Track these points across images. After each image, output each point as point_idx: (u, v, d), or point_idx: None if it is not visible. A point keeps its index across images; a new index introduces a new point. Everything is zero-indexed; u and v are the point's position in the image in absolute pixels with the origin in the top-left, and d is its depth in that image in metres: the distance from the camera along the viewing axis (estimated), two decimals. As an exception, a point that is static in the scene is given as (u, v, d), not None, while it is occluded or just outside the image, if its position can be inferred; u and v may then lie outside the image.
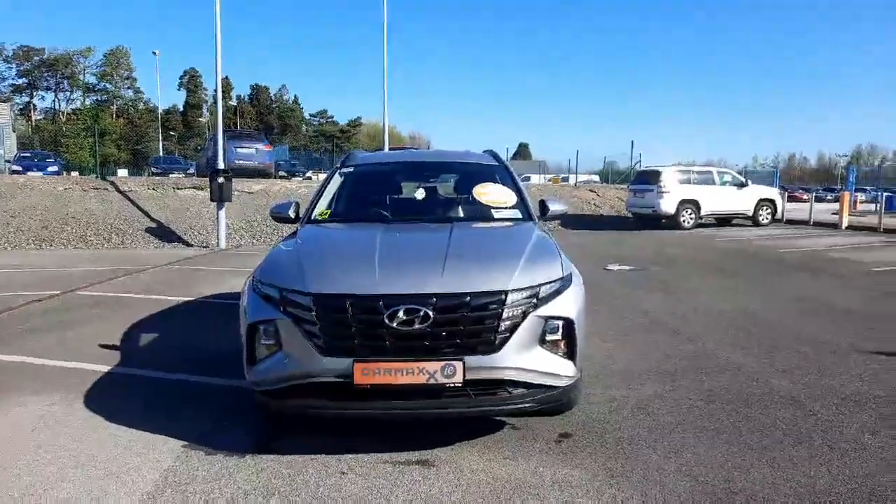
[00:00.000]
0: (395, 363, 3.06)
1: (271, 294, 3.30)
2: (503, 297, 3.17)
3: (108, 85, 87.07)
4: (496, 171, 4.87)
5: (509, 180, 4.74)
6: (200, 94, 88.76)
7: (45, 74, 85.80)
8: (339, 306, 3.11)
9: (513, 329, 3.17)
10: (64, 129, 75.83)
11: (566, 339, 3.36)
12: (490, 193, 4.55)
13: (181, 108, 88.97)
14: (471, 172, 4.92)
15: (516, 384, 3.21)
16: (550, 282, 3.36)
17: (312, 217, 4.46)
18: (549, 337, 3.31)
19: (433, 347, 3.10)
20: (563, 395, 3.40)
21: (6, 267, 11.03)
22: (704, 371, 4.80)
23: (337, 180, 4.93)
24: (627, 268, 10.69)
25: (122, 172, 37.44)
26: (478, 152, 5.40)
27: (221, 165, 15.37)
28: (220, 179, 14.58)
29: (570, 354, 3.38)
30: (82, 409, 4.01)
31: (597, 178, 41.65)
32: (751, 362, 5.02)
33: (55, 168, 26.92)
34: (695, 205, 18.94)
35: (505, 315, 3.16)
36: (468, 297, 3.15)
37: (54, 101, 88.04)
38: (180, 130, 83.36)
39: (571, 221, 20.88)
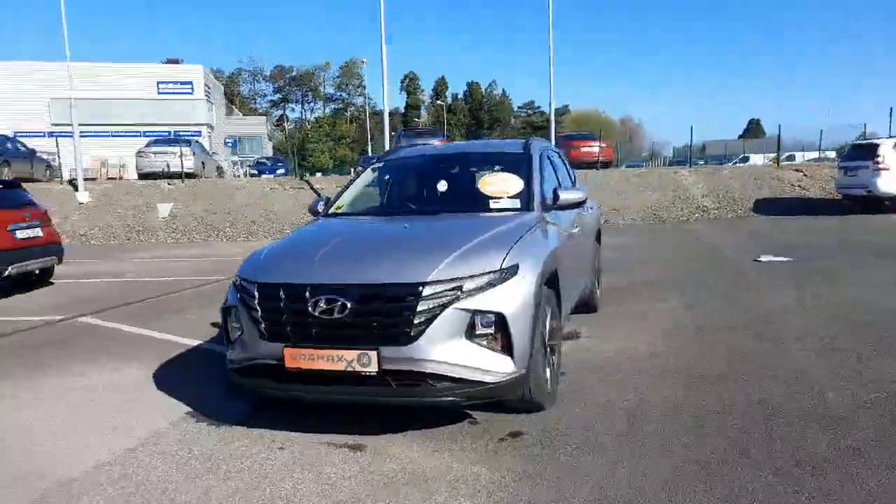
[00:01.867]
0: (318, 350, 3.25)
1: (237, 283, 3.70)
2: (419, 288, 3.18)
3: (343, 94, 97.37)
4: (516, 161, 4.73)
5: (525, 170, 4.57)
6: (418, 95, 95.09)
7: (295, 89, 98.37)
8: (273, 295, 3.38)
9: (430, 321, 3.16)
10: (309, 136, 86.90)
11: (500, 333, 3.25)
12: (495, 183, 4.45)
13: (402, 110, 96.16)
14: (490, 163, 4.84)
15: (438, 377, 3.20)
16: (480, 274, 3.27)
17: (329, 211, 4.79)
18: (481, 331, 3.24)
19: (351, 336, 3.23)
20: (497, 391, 3.28)
21: (206, 256, 13.22)
22: (753, 379, 4.17)
23: (368, 175, 5.21)
24: (782, 259, 9.38)
25: (355, 172, 41.26)
26: (514, 141, 5.26)
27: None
28: (387, 176, 15.71)
29: (508, 350, 3.27)
30: (147, 377, 4.80)
31: (833, 154, 36.18)
32: (817, 371, 4.25)
33: (283, 171, 31.07)
34: (928, 183, 15.70)
35: (421, 307, 3.16)
36: (384, 289, 3.22)
37: (301, 112, 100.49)
38: (422, 129, 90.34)
39: (767, 207, 18.67)
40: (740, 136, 75.44)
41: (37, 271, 9.05)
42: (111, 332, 6.46)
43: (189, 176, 19.89)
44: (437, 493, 2.86)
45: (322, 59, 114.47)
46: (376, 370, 3.18)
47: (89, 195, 18.00)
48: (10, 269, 8.16)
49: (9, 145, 20.69)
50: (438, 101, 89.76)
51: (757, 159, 40.39)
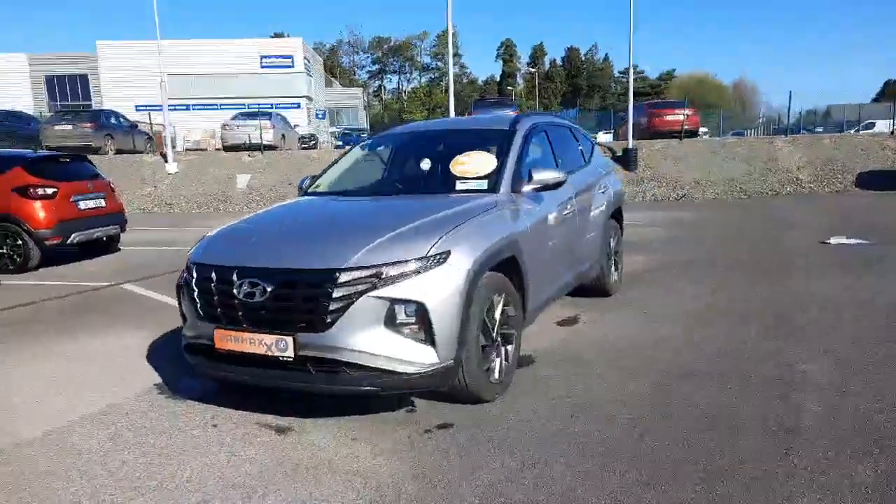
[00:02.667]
0: (243, 332, 3.27)
1: (186, 263, 3.77)
2: (335, 275, 3.10)
3: (439, 63, 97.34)
4: (498, 139, 4.47)
5: (504, 149, 4.33)
6: (515, 63, 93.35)
7: (392, 60, 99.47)
8: (207, 276, 3.42)
9: (345, 309, 3.08)
10: (405, 105, 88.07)
11: (422, 323, 3.13)
12: (467, 163, 4.24)
13: (497, 78, 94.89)
14: (472, 140, 4.61)
15: (354, 366, 3.13)
16: (403, 261, 3.14)
17: (309, 190, 4.78)
18: (403, 319, 3.13)
19: (270, 321, 3.21)
20: (417, 381, 3.18)
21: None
22: (738, 384, 3.80)
23: (355, 153, 5.14)
24: (856, 242, 8.47)
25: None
26: (504, 117, 4.98)
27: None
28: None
29: (430, 340, 3.14)
30: (144, 346, 5.01)
31: None
32: (813, 385, 3.80)
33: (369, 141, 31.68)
34: None
35: (336, 294, 3.09)
36: (300, 274, 3.18)
37: (398, 82, 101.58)
38: (495, 99, 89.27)
39: (873, 181, 16.92)
40: (874, 100, 68.46)
41: (104, 238, 9.72)
42: (143, 299, 6.84)
43: (269, 148, 20.66)
44: (325, 484, 2.80)
45: (419, 29, 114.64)
46: (292, 356, 3.15)
47: (177, 166, 19.14)
48: (73, 236, 8.83)
49: (112, 120, 22.37)
50: (531, 69, 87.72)
51: (884, 125, 36.49)
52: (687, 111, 20.49)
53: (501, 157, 4.26)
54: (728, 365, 4.06)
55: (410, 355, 3.13)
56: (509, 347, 3.78)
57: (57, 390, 4.12)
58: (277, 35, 71.63)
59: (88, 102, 42.14)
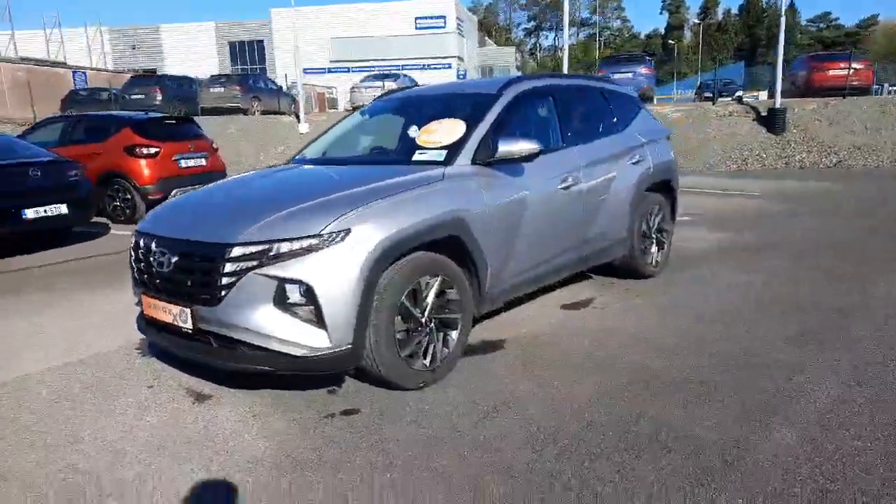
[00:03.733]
0: (158, 300, 3.32)
1: (139, 227, 3.87)
2: (224, 249, 3.01)
3: (600, 18, 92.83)
4: (480, 104, 4.04)
5: (479, 116, 3.91)
6: (682, 14, 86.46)
7: (549, 16, 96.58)
8: (138, 242, 3.49)
9: (233, 285, 2.99)
10: (559, 63, 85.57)
11: (311, 305, 2.96)
12: (435, 132, 3.88)
13: (662, 31, 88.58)
14: (454, 107, 4.21)
15: (245, 343, 3.05)
16: (295, 238, 2.97)
17: (296, 157, 4.68)
18: (295, 300, 2.99)
19: (174, 291, 3.23)
20: (310, 364, 3.02)
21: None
22: (711, 399, 3.22)
23: (353, 118, 4.95)
24: None
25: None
26: (496, 80, 4.48)
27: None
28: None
29: (321, 323, 2.97)
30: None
31: None
32: (802, 409, 3.10)
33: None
34: None
35: (227, 269, 3.00)
36: (196, 247, 3.14)
37: (555, 38, 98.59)
38: (659, 55, 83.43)
39: None
40: None
41: (208, 196, 10.47)
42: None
43: (393, 109, 21.01)
44: (190, 460, 2.76)
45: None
46: (192, 328, 3.14)
47: (307, 126, 20.11)
48: (174, 192, 9.59)
49: (260, 83, 23.98)
50: (695, 21, 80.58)
51: None
52: (856, 64, 17.60)
53: (472, 125, 3.86)
54: (724, 377, 3.42)
55: (301, 337, 2.98)
56: (452, 333, 3.49)
57: (67, 337, 4.44)
58: (437, -7, 72.52)
59: (263, 66, 45.52)
